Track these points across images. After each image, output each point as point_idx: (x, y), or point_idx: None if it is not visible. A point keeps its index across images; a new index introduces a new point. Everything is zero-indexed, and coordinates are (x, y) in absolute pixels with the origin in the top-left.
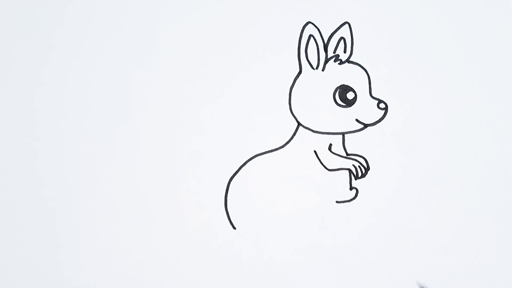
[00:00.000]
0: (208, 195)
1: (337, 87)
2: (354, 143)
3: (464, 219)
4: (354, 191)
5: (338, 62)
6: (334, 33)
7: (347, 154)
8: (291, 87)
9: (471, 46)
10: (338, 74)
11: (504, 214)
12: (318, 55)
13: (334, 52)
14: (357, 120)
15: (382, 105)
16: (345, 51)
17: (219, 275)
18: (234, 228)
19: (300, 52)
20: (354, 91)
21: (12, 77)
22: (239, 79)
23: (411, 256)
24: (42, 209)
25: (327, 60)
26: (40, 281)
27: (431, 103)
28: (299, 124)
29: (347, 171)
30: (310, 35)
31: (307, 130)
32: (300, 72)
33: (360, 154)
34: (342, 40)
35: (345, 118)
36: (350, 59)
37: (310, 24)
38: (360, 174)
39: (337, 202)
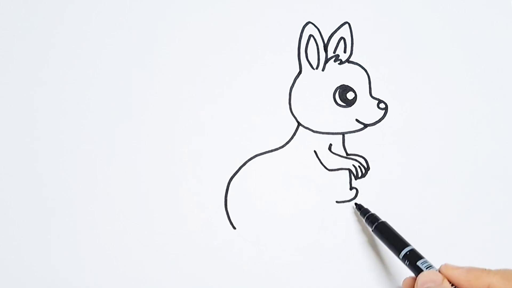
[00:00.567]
0: (208, 195)
1: (337, 87)
2: (354, 143)
3: (464, 219)
4: (354, 191)
5: (338, 62)
6: (334, 33)
7: (347, 154)
8: (291, 87)
9: (471, 46)
10: (338, 74)
11: (504, 214)
12: (318, 55)
13: (334, 52)
14: (357, 120)
15: (382, 105)
16: (345, 51)
17: (219, 275)
18: (234, 228)
19: (300, 52)
20: (354, 91)
21: (12, 77)
22: (239, 79)
23: None
24: (42, 208)
25: (327, 60)
26: (40, 281)
27: (431, 103)
28: (299, 124)
29: (347, 171)
30: (310, 35)
31: (307, 130)
32: (300, 72)
33: (360, 154)
34: (342, 40)
35: (345, 118)
36: (350, 59)
37: (310, 24)
38: (360, 174)
39: (337, 202)
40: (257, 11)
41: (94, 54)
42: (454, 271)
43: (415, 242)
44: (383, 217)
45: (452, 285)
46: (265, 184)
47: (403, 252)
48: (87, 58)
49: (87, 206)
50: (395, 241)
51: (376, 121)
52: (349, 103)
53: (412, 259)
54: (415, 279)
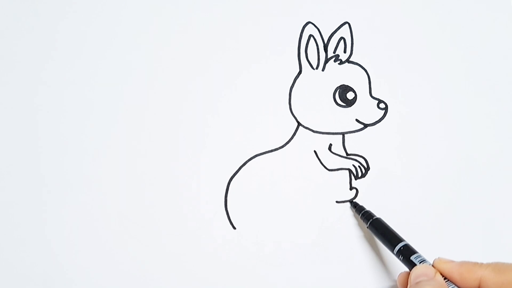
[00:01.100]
0: (208, 195)
1: (337, 87)
2: (354, 143)
3: (464, 219)
4: (354, 191)
5: (338, 62)
6: (334, 33)
7: (347, 154)
8: (291, 87)
9: (471, 46)
10: (338, 74)
11: (504, 214)
12: (318, 55)
13: (334, 52)
14: (357, 120)
15: (382, 105)
16: (345, 51)
17: (219, 275)
18: (234, 228)
19: (300, 52)
20: (354, 91)
21: (14, 77)
22: (239, 79)
23: None
24: (43, 208)
25: (327, 60)
26: (42, 281)
27: (431, 103)
28: (299, 124)
29: (347, 171)
30: (310, 35)
31: (307, 130)
32: (300, 72)
33: (360, 154)
34: (342, 40)
35: (345, 118)
36: (350, 59)
37: (310, 24)
38: (360, 174)
39: (337, 202)
40: (257, 11)
41: (96, 54)
42: (447, 265)
43: (415, 241)
44: (383, 217)
45: (445, 278)
46: (265, 184)
47: (397, 248)
48: (88, 59)
49: (87, 206)
50: (389, 237)
51: (376, 121)
52: (349, 103)
53: (406, 254)
54: (409, 274)
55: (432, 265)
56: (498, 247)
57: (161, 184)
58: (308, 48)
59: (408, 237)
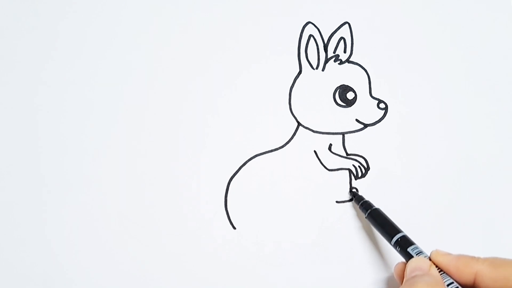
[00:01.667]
0: (208, 195)
1: (337, 87)
2: (354, 143)
3: (464, 219)
4: (354, 191)
5: (338, 62)
6: (334, 33)
7: (347, 154)
8: (291, 87)
9: (471, 46)
10: (338, 74)
11: (504, 214)
12: (318, 55)
13: (334, 52)
14: (357, 120)
15: (382, 105)
16: (345, 51)
17: (219, 275)
18: (234, 228)
19: (300, 52)
20: (354, 91)
21: (14, 77)
22: (239, 79)
23: None
24: (42, 208)
25: (327, 60)
26: (42, 281)
27: (431, 103)
28: (299, 124)
29: (347, 171)
30: (310, 35)
31: (307, 130)
32: (300, 72)
33: (360, 154)
34: (342, 40)
35: (345, 118)
36: (350, 59)
37: (310, 24)
38: (360, 174)
39: (337, 202)
40: (257, 11)
41: (96, 54)
42: (444, 257)
43: (415, 241)
44: None
45: (441, 271)
46: (265, 184)
47: (394, 238)
48: (88, 59)
49: (87, 206)
50: (387, 227)
51: (376, 121)
52: (349, 103)
53: (403, 245)
54: (405, 265)
55: (429, 257)
56: (498, 247)
57: (161, 184)
58: (308, 48)
59: (408, 236)
